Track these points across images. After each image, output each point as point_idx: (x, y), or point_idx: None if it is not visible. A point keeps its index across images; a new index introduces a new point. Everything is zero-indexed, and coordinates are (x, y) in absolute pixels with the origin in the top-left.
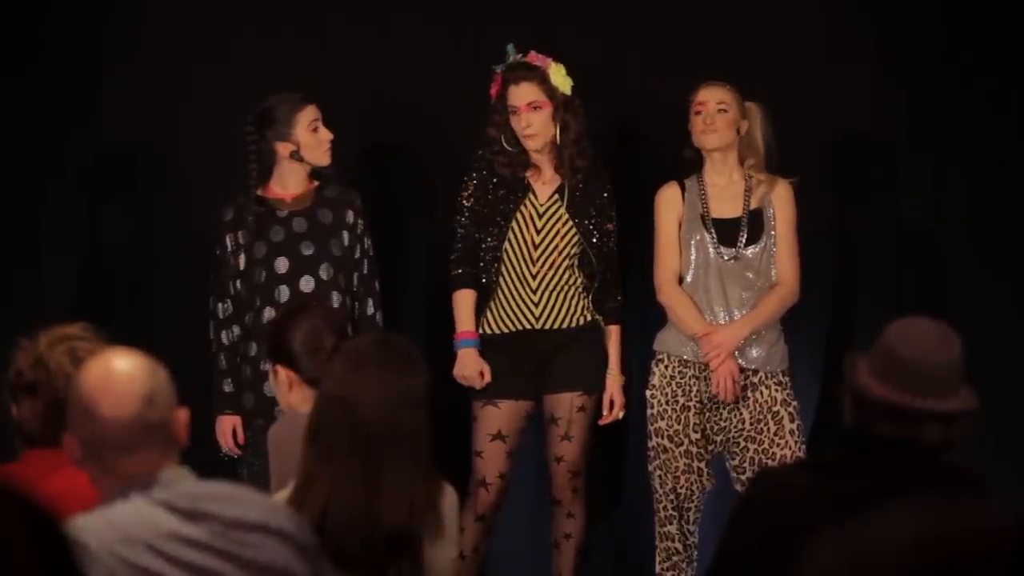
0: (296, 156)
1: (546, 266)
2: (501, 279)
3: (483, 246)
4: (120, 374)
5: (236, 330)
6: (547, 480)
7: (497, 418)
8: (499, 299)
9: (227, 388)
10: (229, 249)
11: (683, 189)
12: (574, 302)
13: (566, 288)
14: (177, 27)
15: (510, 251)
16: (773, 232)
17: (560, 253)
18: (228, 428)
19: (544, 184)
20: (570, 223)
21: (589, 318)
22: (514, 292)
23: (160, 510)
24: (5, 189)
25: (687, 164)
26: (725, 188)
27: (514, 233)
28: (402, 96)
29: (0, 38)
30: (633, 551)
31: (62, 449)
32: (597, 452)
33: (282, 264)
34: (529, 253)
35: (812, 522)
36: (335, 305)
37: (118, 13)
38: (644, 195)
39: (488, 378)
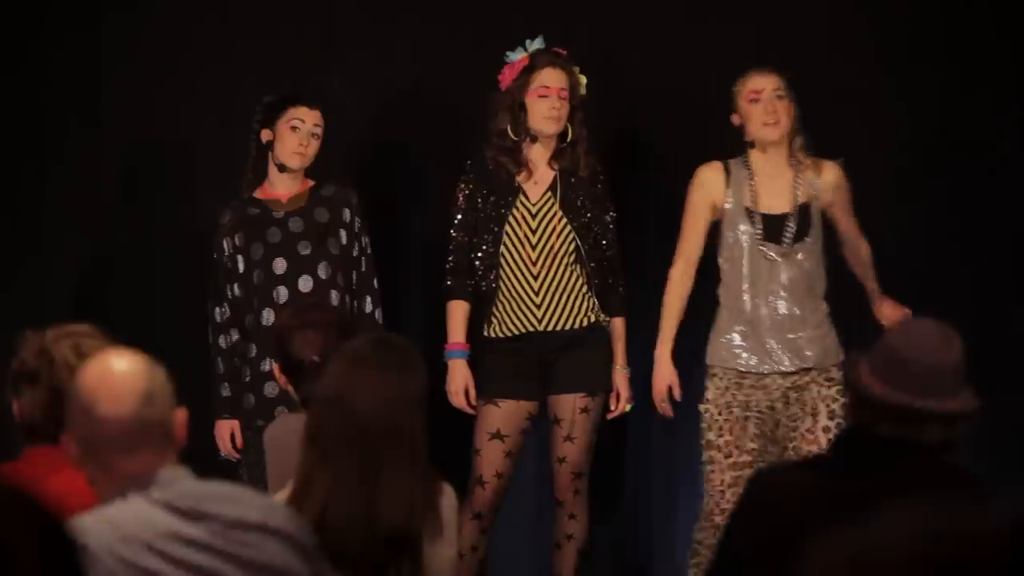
0: (269, 146)
1: (546, 266)
2: (501, 284)
3: (479, 253)
4: (118, 373)
5: (234, 334)
6: (550, 481)
7: (497, 417)
8: (501, 304)
9: (225, 392)
10: (226, 252)
11: (728, 172)
12: (577, 303)
13: (569, 289)
14: (178, 27)
15: (507, 255)
16: (813, 230)
17: (557, 251)
18: (226, 432)
19: (536, 184)
20: (564, 220)
21: (593, 319)
22: (516, 296)
23: (159, 510)
24: (5, 189)
25: (737, 146)
26: (775, 178)
27: (509, 237)
28: (402, 94)
29: (0, 37)
30: (633, 553)
31: (62, 446)
32: (597, 454)
33: (280, 265)
34: (527, 254)
35: (812, 522)
36: (334, 303)
37: (118, 13)
38: (639, 192)
39: (472, 394)
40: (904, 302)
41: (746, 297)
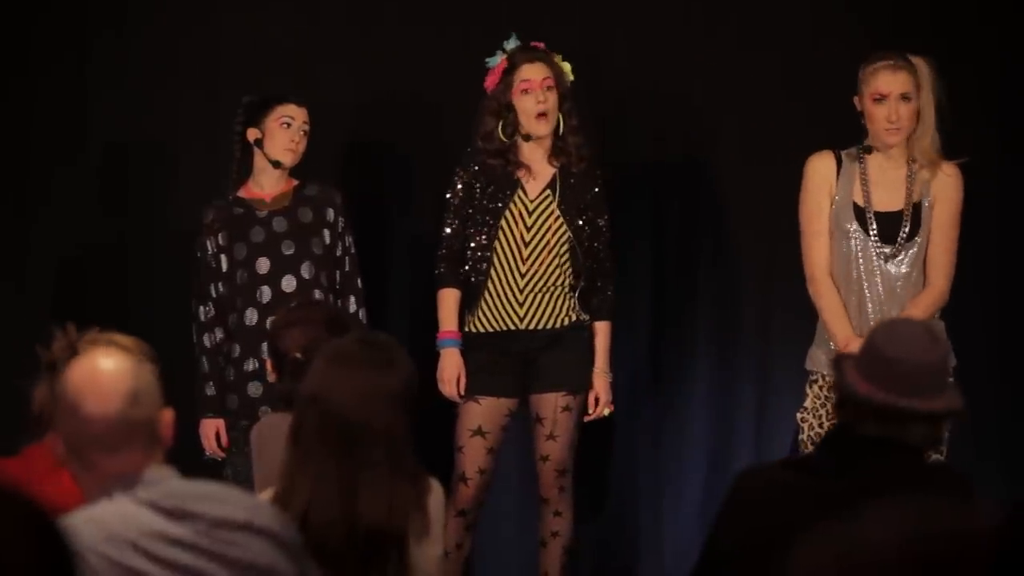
0: (259, 144)
1: (536, 264)
2: (490, 279)
3: (472, 244)
4: (105, 372)
5: (219, 333)
6: (534, 479)
7: (478, 414)
8: (487, 298)
9: (210, 391)
10: (210, 251)
11: (839, 163)
12: (560, 302)
13: (553, 288)
14: (164, 30)
15: (500, 249)
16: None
17: (551, 251)
18: (211, 431)
19: (534, 180)
20: (561, 219)
21: (575, 318)
22: (502, 292)
23: (145, 509)
24: None
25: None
26: (888, 172)
27: (503, 231)
28: (388, 93)
29: None
30: (619, 553)
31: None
32: (581, 454)
33: (263, 264)
34: (519, 250)
35: (797, 522)
36: None
37: (105, 16)
38: (630, 188)
39: (464, 383)
40: None
41: (849, 300)
